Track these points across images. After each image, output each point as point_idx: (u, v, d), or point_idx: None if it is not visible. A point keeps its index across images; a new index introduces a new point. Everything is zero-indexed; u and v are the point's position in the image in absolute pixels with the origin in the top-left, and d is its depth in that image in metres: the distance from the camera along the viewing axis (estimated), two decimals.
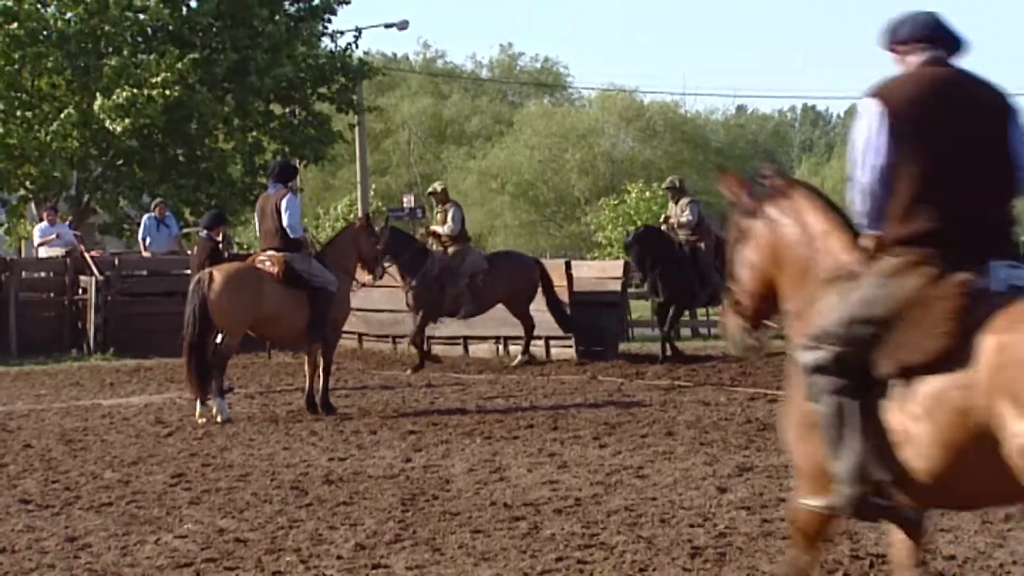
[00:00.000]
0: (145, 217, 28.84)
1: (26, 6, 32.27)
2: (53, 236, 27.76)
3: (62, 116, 32.25)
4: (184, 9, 34.52)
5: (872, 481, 5.50)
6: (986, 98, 5.76)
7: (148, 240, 27.84)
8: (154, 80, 31.84)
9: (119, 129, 31.99)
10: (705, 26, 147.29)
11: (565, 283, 22.48)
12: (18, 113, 32.99)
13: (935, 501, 5.70)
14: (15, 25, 31.92)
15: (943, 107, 5.65)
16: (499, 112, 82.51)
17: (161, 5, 32.96)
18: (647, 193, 58.21)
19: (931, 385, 5.31)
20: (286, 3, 35.80)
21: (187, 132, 34.07)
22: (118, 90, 31.87)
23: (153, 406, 17.09)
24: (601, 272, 24.52)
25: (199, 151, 34.73)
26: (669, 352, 21.82)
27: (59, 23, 32.78)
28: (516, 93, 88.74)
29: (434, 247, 21.82)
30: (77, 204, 34.17)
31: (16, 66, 32.67)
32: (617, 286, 23.71)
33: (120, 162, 33.96)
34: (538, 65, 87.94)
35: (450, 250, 21.64)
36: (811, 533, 6.00)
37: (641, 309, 30.86)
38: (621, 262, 25.02)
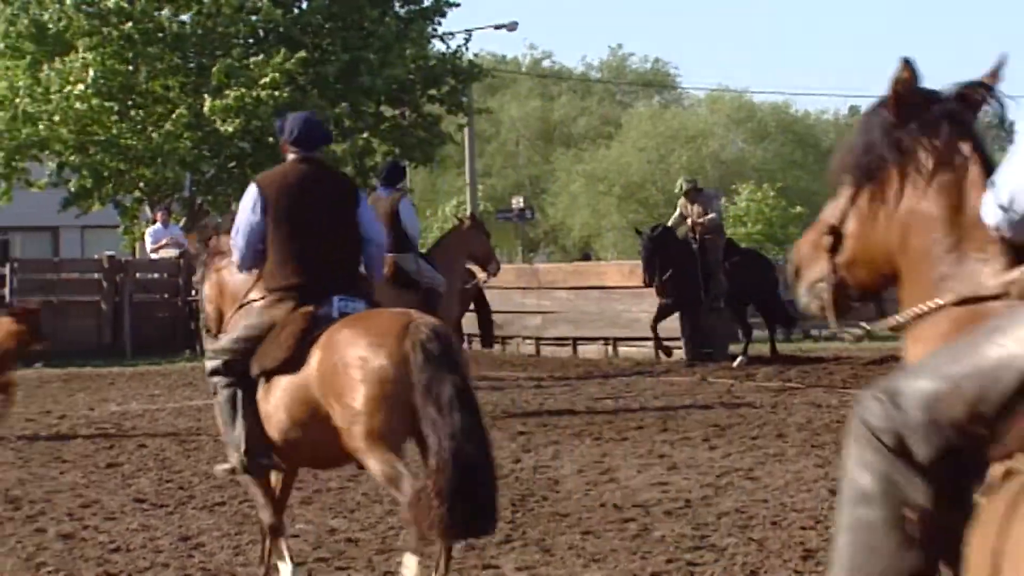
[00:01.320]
0: None
1: (140, 6, 32.62)
2: (166, 240, 28.17)
3: (174, 117, 32.59)
4: (295, 10, 34.77)
5: (254, 449, 7.65)
6: (337, 186, 8.21)
7: None
8: (263, 81, 32.10)
9: (230, 130, 32.30)
10: (815, 25, 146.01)
11: None
12: (132, 114, 33.39)
13: (294, 461, 7.94)
14: (129, 25, 32.27)
15: (303, 193, 7.94)
16: (607, 113, 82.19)
17: (272, 6, 33.21)
18: (758, 194, 57.78)
19: (281, 382, 7.52)
20: (396, 4, 35.90)
21: None
22: (228, 91, 32.18)
23: None
24: None
25: None
26: (666, 355, 21.83)
27: (174, 25, 33.13)
28: (624, 94, 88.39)
29: None
30: (190, 206, 34.53)
31: (130, 67, 33.06)
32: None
33: (232, 164, 34.27)
34: (647, 66, 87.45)
35: None
36: (261, 492, 7.96)
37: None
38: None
